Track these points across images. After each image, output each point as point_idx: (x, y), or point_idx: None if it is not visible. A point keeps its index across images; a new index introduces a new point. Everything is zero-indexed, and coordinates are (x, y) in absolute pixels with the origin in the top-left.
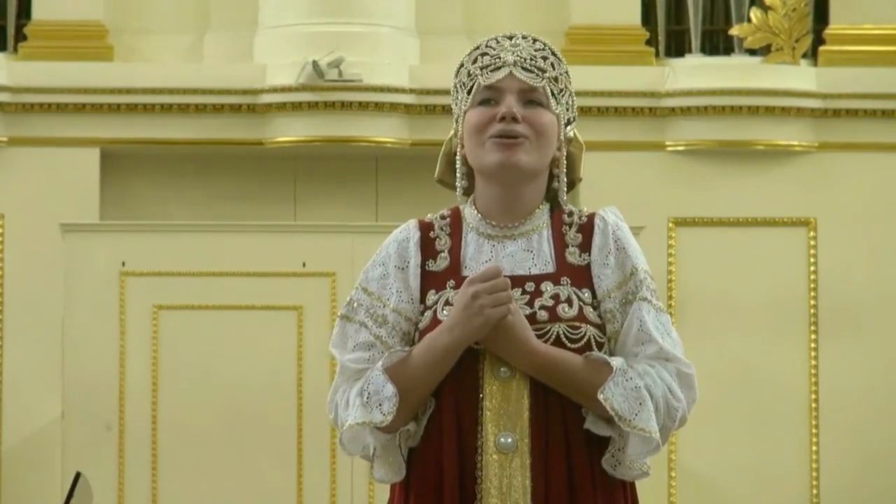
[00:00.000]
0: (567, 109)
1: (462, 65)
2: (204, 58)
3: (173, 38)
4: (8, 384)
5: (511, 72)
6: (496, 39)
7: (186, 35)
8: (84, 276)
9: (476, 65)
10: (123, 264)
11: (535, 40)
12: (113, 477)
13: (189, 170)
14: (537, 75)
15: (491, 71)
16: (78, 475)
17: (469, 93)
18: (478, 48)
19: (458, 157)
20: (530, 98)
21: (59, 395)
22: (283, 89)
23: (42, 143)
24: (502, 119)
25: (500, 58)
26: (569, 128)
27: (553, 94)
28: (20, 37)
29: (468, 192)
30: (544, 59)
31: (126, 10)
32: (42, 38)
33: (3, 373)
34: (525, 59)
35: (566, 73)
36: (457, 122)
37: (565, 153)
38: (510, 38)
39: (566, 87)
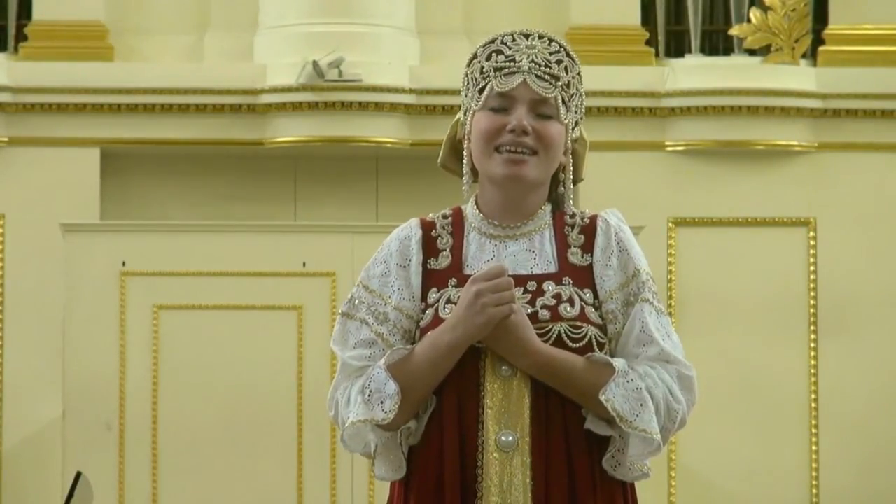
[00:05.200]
0: (576, 112)
1: (475, 56)
2: (204, 58)
3: (173, 38)
4: (8, 384)
5: (525, 80)
6: (512, 37)
7: (186, 35)
8: (84, 276)
9: (490, 62)
10: (123, 264)
11: (550, 41)
12: (113, 477)
13: (189, 170)
14: (550, 84)
15: (505, 75)
16: (78, 475)
17: (480, 92)
18: (493, 42)
19: (465, 151)
20: (541, 109)
21: (59, 395)
22: (283, 89)
23: (42, 143)
24: (512, 131)
25: (514, 61)
26: (575, 129)
27: (564, 101)
28: (21, 37)
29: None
30: (559, 63)
31: (126, 10)
32: (42, 38)
33: (3, 373)
34: (539, 66)
35: (578, 74)
36: (465, 113)
37: (571, 159)
38: (526, 36)
39: (577, 89)
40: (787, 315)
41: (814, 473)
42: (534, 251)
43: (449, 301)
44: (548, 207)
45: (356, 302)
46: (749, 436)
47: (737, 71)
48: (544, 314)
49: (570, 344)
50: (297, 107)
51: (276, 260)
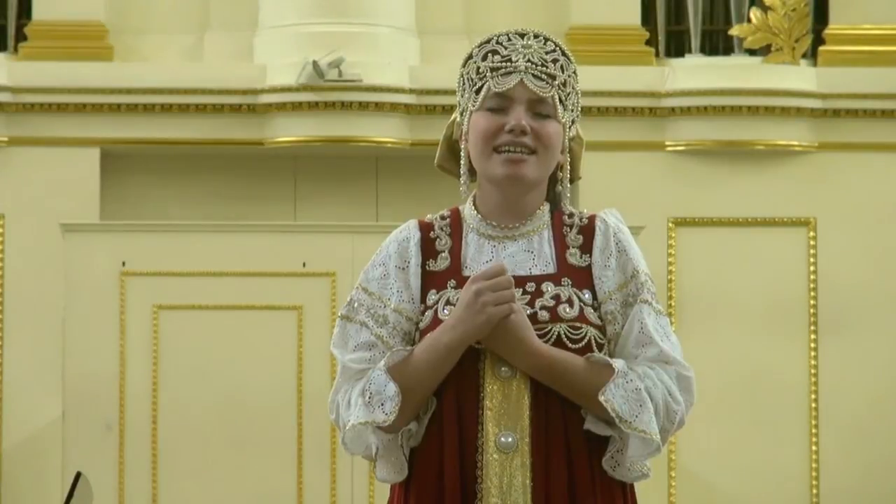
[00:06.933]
0: (572, 111)
1: (471, 56)
2: (204, 58)
3: (173, 38)
4: (8, 384)
5: (522, 79)
6: (507, 36)
7: (186, 35)
8: (84, 276)
9: (486, 63)
10: (123, 264)
11: (546, 40)
12: (113, 477)
13: (189, 170)
14: (547, 83)
15: (502, 75)
16: (78, 475)
17: (477, 92)
18: (488, 42)
19: (462, 151)
20: (539, 108)
21: (59, 395)
22: (283, 89)
23: (42, 143)
24: (510, 131)
25: (511, 61)
26: (572, 127)
27: (561, 100)
28: (20, 37)
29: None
30: (555, 62)
31: (126, 10)
32: (42, 38)
33: (3, 373)
34: (536, 65)
35: (574, 72)
36: (462, 114)
37: (568, 157)
38: (522, 35)
39: (573, 88)
40: (787, 315)
41: (814, 473)
42: (532, 252)
43: (448, 303)
44: (546, 207)
45: (355, 304)
46: (749, 436)
47: (737, 71)
48: (543, 315)
49: (570, 345)
50: (297, 107)
51: (276, 260)
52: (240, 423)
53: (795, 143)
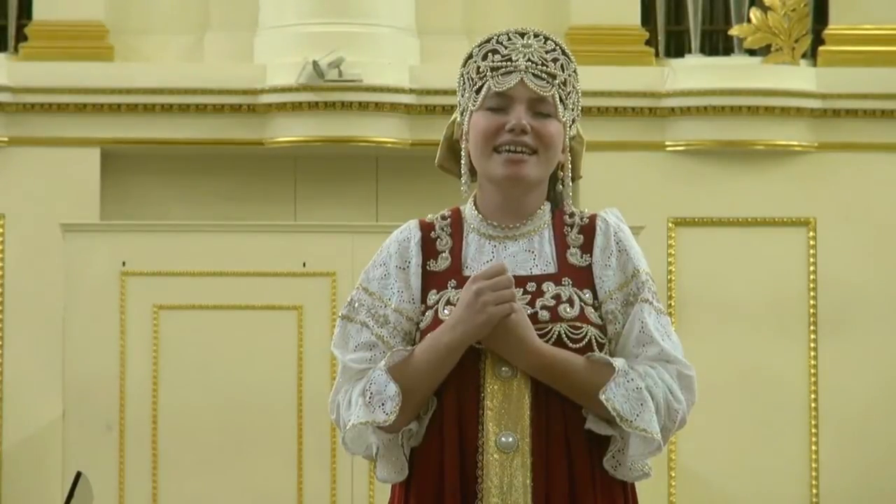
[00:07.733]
0: (573, 110)
1: (471, 56)
2: (204, 58)
3: (173, 38)
4: (8, 384)
5: (522, 79)
6: (507, 35)
7: (186, 35)
8: (84, 276)
9: (486, 62)
10: (123, 264)
11: (546, 39)
12: (113, 477)
13: (189, 170)
14: (548, 82)
15: (502, 75)
16: (78, 475)
17: (477, 92)
18: (488, 41)
19: (462, 151)
20: (539, 108)
21: (59, 395)
22: (283, 89)
23: (42, 143)
24: (511, 130)
25: (511, 60)
26: (572, 126)
27: (561, 99)
28: (21, 37)
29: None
30: (555, 61)
31: (126, 10)
32: (43, 38)
33: (3, 373)
34: (536, 64)
35: (574, 71)
36: (462, 114)
37: (569, 157)
38: (522, 35)
39: (573, 87)
40: (787, 315)
41: (814, 473)
42: (533, 252)
43: (448, 303)
44: (547, 207)
45: (356, 305)
46: (749, 436)
47: (737, 71)
48: (544, 315)
49: (570, 344)
50: (297, 107)
51: (276, 260)
52: (240, 423)
53: (795, 143)
